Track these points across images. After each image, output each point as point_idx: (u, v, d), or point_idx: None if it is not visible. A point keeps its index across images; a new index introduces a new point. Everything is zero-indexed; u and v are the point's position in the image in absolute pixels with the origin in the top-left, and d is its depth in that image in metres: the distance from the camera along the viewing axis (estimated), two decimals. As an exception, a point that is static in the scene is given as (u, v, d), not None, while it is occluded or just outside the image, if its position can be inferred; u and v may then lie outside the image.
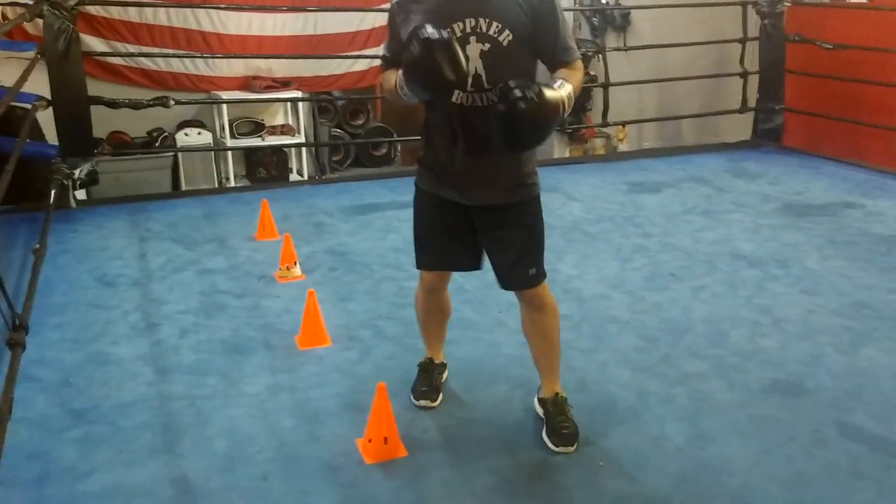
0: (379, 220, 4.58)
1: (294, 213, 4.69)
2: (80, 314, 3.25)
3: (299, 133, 6.03)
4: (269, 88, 5.85)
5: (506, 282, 2.33)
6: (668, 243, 4.11)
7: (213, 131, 5.83)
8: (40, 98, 4.48)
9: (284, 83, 5.94)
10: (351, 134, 6.51)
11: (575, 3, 6.60)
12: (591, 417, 2.46)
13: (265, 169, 6.10)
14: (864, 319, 3.18)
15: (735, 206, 4.80)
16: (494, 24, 2.06)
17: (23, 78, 3.86)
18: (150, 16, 5.53)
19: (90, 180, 4.72)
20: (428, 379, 2.56)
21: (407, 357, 2.79)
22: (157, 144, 5.65)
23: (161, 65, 5.65)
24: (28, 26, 5.00)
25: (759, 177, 5.52)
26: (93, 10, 5.27)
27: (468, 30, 2.06)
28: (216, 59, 5.72)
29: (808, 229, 4.34)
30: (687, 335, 3.05)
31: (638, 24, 6.50)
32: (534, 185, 2.27)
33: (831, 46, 5.80)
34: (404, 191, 5.19)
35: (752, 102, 6.36)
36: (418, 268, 2.46)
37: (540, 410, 2.43)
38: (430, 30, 1.91)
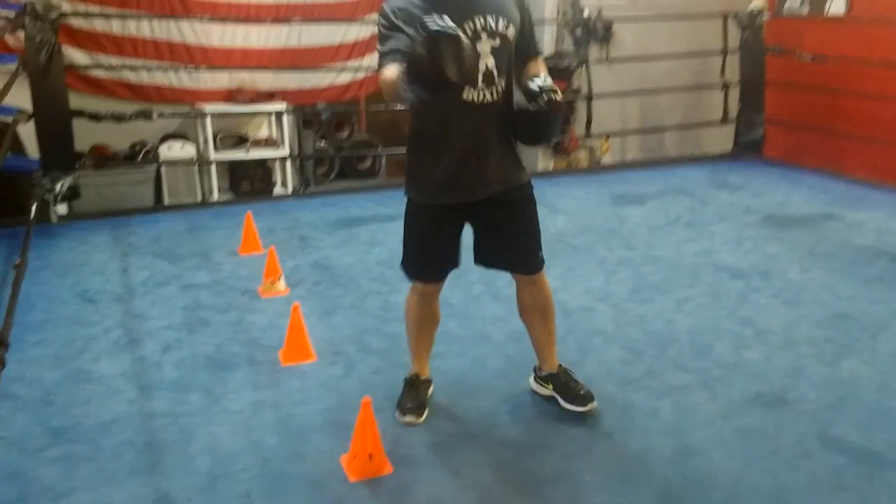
0: (364, 233, 4.58)
1: (278, 227, 4.67)
2: (61, 330, 3.21)
3: (284, 146, 6.01)
4: (253, 101, 5.84)
5: (525, 266, 2.43)
6: (651, 255, 4.13)
7: (196, 144, 5.80)
8: (21, 111, 4.45)
9: (269, 96, 5.93)
10: (336, 147, 6.51)
11: (558, 16, 6.65)
12: (576, 430, 2.46)
13: (249, 182, 6.08)
14: (846, 331, 3.21)
15: (717, 217, 4.85)
16: (501, 19, 2.16)
17: (4, 91, 3.83)
18: (133, 28, 5.51)
19: (72, 194, 4.68)
20: (414, 394, 2.55)
21: (392, 372, 2.78)
22: (139, 158, 5.61)
23: (144, 77, 5.62)
24: (9, 38, 4.96)
25: (741, 188, 5.58)
26: (75, 22, 5.24)
27: (479, 27, 2.13)
28: (200, 72, 5.70)
29: (789, 240, 4.38)
30: (671, 347, 3.06)
31: (620, 36, 6.56)
32: (525, 169, 2.38)
33: (810, 58, 5.88)
34: (389, 203, 5.20)
35: (733, 114, 6.44)
36: (415, 279, 2.47)
37: (543, 388, 2.60)
38: (442, 23, 1.83)
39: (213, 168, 5.76)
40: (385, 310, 3.42)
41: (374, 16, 6.18)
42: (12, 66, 4.50)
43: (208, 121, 5.64)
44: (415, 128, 2.29)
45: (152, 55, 5.60)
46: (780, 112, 6.34)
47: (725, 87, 6.35)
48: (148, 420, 2.53)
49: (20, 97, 4.40)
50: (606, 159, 6.85)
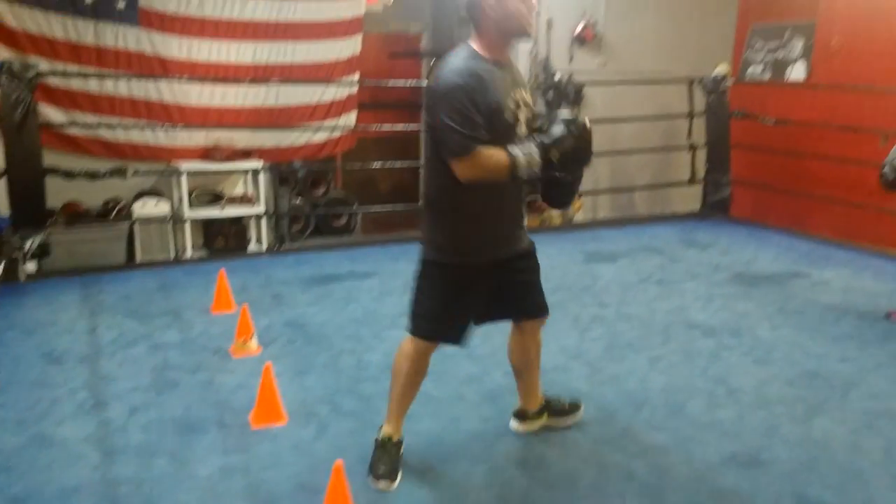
0: (338, 290, 4.56)
1: (252, 284, 4.64)
2: (25, 393, 3.12)
3: (259, 203, 6.02)
4: (229, 159, 5.86)
5: (543, 309, 2.64)
6: (624, 313, 4.17)
7: (171, 201, 5.79)
8: (-7, 169, 4.42)
9: (245, 153, 5.96)
10: (311, 204, 6.53)
11: (531, 79, 6.84)
12: (553, 493, 2.43)
13: (224, 239, 6.05)
14: (816, 389, 3.24)
15: (688, 275, 4.92)
16: (527, 92, 2.42)
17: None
18: (110, 87, 5.54)
19: (41, 252, 4.62)
20: (387, 458, 2.51)
21: (365, 433, 2.74)
22: (112, 215, 5.58)
23: (120, 135, 5.62)
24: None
25: (710, 246, 5.69)
26: (53, 81, 5.27)
27: (519, 101, 2.35)
28: (177, 130, 5.73)
29: (758, 298, 4.45)
30: (645, 407, 3.06)
31: (591, 98, 6.75)
32: None
33: (773, 122, 6.10)
34: (364, 260, 5.21)
35: (700, 175, 6.61)
36: (433, 340, 2.50)
37: (535, 423, 2.81)
38: (581, 119, 2.27)
39: (188, 225, 5.74)
40: (359, 369, 3.39)
41: (353, 77, 6.34)
42: (-14, 124, 4.49)
43: (184, 178, 5.64)
44: (456, 194, 2.31)
45: (129, 113, 5.62)
46: (746, 173, 6.53)
47: (692, 148, 6.54)
48: (112, 487, 2.45)
49: (-7, 154, 4.39)
50: (579, 217, 6.96)
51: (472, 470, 2.58)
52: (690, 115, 6.47)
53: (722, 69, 6.37)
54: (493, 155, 2.22)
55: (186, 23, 5.69)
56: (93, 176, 4.81)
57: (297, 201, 6.48)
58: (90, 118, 5.49)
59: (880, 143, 4.74)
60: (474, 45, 2.31)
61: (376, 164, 6.61)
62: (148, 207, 5.62)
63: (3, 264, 4.21)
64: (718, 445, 2.76)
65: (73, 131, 5.49)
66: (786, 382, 3.30)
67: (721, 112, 6.37)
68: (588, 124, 2.32)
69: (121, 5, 5.47)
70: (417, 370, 2.55)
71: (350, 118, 6.48)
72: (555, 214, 7.08)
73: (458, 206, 2.35)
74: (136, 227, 5.56)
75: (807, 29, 6.15)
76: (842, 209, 5.72)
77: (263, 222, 6.12)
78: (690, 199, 6.82)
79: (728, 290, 4.60)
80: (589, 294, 4.47)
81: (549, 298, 2.66)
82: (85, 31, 5.39)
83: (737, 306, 4.31)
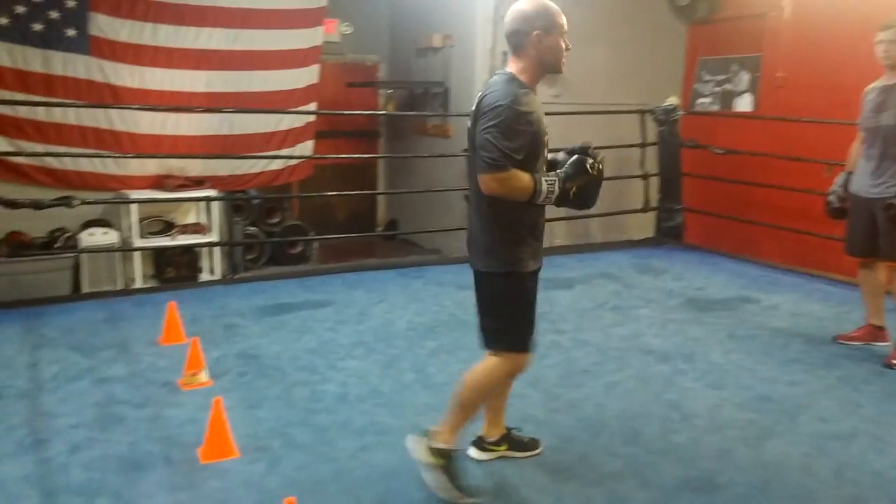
0: (293, 320, 4.49)
1: (204, 315, 4.54)
2: (-42, 431, 2.97)
3: (212, 231, 5.92)
4: (181, 187, 5.76)
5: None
6: (581, 339, 4.19)
7: (120, 230, 5.65)
8: (-69, 198, 4.26)
9: (198, 182, 5.87)
10: (267, 232, 6.45)
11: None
12: (509, 525, 2.39)
13: (175, 268, 5.91)
14: (768, 412, 3.29)
15: (642, 301, 4.98)
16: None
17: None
18: (58, 115, 5.41)
19: (-19, 283, 4.44)
20: (457, 471, 2.56)
21: (318, 466, 2.67)
22: (58, 244, 5.41)
23: (68, 164, 5.48)
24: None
25: (664, 273, 5.78)
26: (-2, 109, 5.13)
27: (547, 129, 2.48)
28: (127, 159, 5.62)
29: (710, 324, 4.52)
30: (602, 433, 3.06)
31: (546, 128, 6.86)
32: None
33: (722, 151, 6.26)
34: (320, 289, 5.15)
35: (653, 202, 6.74)
36: (533, 349, 2.60)
37: (494, 452, 2.80)
38: (600, 156, 2.49)
39: (137, 255, 5.60)
40: (313, 400, 3.32)
41: (310, 105, 6.32)
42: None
43: (134, 207, 5.52)
44: (517, 206, 2.42)
45: (78, 142, 5.49)
46: (698, 201, 6.68)
47: (646, 177, 6.66)
48: (49, 529, 2.33)
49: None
50: (536, 245, 7.01)
51: (430, 499, 2.53)
52: (643, 145, 6.61)
53: (672, 99, 6.53)
54: (522, 178, 2.35)
55: (140, 51, 5.62)
56: (37, 206, 4.66)
57: (252, 230, 6.39)
58: (37, 147, 5.35)
59: (825, 173, 4.89)
60: (514, 71, 2.41)
61: (332, 193, 6.57)
62: (96, 237, 5.47)
63: (-61, 297, 4.03)
64: (674, 471, 2.76)
65: (19, 160, 5.34)
66: (738, 406, 3.34)
67: (672, 142, 6.52)
68: (602, 163, 2.50)
69: (71, 33, 5.38)
70: (497, 386, 2.66)
71: (307, 146, 6.45)
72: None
73: (520, 217, 2.46)
74: (83, 258, 5.40)
75: (752, 62, 6.37)
76: (790, 236, 5.88)
77: (216, 251, 6.01)
78: (644, 226, 6.94)
79: (681, 316, 4.67)
80: (545, 320, 4.48)
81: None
82: (32, 60, 5.28)
83: (690, 331, 4.37)
